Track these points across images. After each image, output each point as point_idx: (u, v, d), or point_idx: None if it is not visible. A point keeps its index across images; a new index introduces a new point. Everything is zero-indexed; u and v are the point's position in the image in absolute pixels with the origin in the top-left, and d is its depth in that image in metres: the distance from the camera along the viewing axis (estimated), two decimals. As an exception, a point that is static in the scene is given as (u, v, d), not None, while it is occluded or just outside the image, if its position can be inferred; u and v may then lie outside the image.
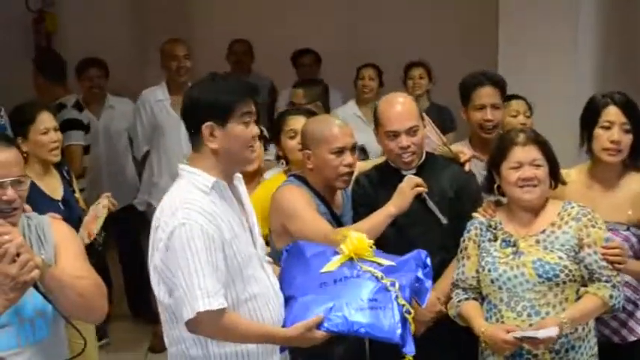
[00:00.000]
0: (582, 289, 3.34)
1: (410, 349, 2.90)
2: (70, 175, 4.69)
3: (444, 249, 3.67)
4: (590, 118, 3.69)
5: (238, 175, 3.14)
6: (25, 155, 4.09)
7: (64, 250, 2.94)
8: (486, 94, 4.13)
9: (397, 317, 2.90)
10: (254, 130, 2.99)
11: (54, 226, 3.04)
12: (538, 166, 3.37)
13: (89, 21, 8.29)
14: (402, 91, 4.67)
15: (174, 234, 2.85)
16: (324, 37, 7.86)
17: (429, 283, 3.11)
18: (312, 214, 3.56)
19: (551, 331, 3.15)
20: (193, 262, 2.84)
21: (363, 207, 3.71)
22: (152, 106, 6.17)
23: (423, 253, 3.15)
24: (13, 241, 2.59)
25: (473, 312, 3.42)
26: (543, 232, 3.39)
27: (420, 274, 3.07)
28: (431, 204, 3.60)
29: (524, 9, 6.03)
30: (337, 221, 3.68)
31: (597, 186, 3.69)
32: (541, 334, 3.14)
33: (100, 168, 6.44)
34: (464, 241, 3.53)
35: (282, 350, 3.11)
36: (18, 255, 2.58)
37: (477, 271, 3.45)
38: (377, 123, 3.76)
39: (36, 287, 2.69)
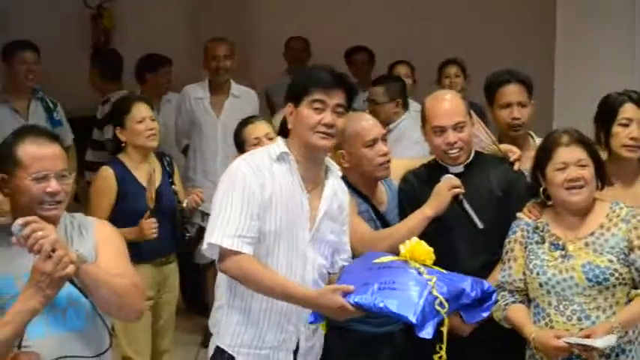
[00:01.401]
0: (633, 291, 3.26)
1: (427, 333, 2.89)
2: (172, 166, 4.82)
3: (489, 251, 3.60)
4: (607, 115, 3.71)
5: (336, 172, 3.33)
6: (123, 144, 4.55)
7: (104, 249, 2.97)
8: (512, 92, 4.09)
9: (420, 300, 2.90)
10: (325, 118, 3.13)
11: (97, 225, 3.08)
12: (583, 166, 3.30)
13: (146, 17, 8.39)
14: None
15: (223, 175, 3.22)
16: (378, 35, 7.83)
17: (485, 313, 3.15)
18: (351, 214, 3.53)
19: (611, 341, 3.08)
20: (225, 202, 3.13)
21: (409, 204, 3.69)
22: (192, 102, 6.24)
23: (491, 287, 3.16)
24: (47, 237, 2.60)
25: (521, 316, 3.36)
26: (592, 234, 3.32)
27: (473, 294, 3.07)
28: (467, 206, 3.53)
29: (581, 16, 5.94)
30: (381, 218, 3.67)
31: (617, 183, 3.62)
32: (599, 343, 3.06)
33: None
34: (509, 242, 3.46)
35: (315, 320, 3.12)
36: (53, 251, 2.59)
37: (524, 274, 3.38)
38: (424, 119, 3.74)
39: (72, 282, 2.70)
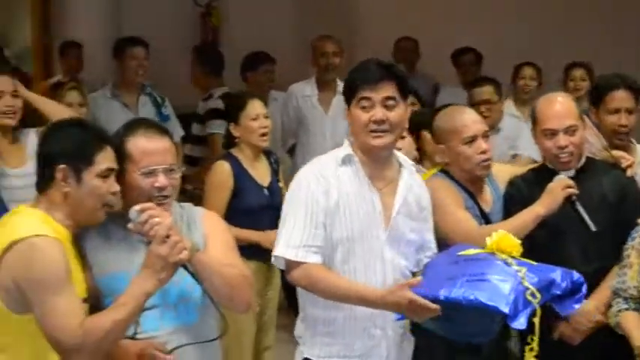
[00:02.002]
0: None
1: (519, 324, 2.84)
2: (278, 163, 4.88)
3: (602, 256, 3.50)
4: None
5: (409, 167, 3.24)
6: (236, 140, 4.60)
7: (213, 239, 3.01)
8: (621, 98, 3.98)
9: (511, 291, 2.84)
10: (375, 115, 3.06)
11: (205, 216, 3.13)
12: None
13: (253, 15, 8.48)
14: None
15: (290, 185, 3.23)
16: (480, 36, 7.74)
17: (577, 305, 3.05)
18: (456, 206, 3.52)
19: None
20: (289, 212, 3.14)
21: (515, 208, 3.60)
22: (299, 100, 6.29)
23: (581, 278, 3.04)
24: (162, 223, 2.68)
25: (632, 323, 3.27)
26: None
27: (563, 284, 2.98)
28: (580, 208, 3.44)
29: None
30: (485, 218, 3.60)
31: None
32: None
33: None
34: (627, 248, 3.37)
35: (402, 317, 3.06)
36: (168, 237, 2.66)
37: (639, 281, 3.29)
38: (534, 121, 3.66)
39: (185, 268, 2.76)
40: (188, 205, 3.14)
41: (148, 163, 2.89)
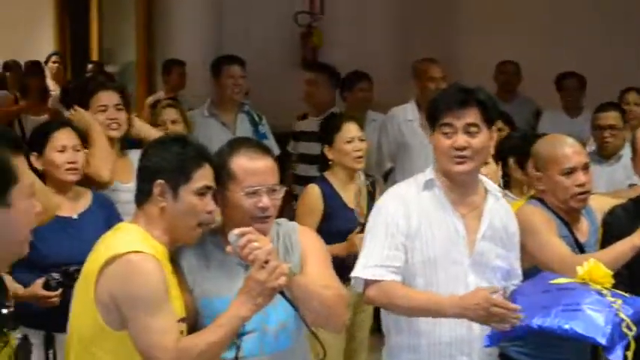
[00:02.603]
0: None
1: (616, 356, 2.80)
2: (375, 187, 4.81)
3: None
4: None
5: (495, 193, 3.24)
6: (330, 162, 4.62)
7: (310, 258, 3.01)
8: None
9: (608, 323, 2.81)
10: (456, 141, 3.06)
11: (302, 234, 3.12)
12: None
13: (353, 36, 8.51)
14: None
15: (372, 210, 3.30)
16: (583, 60, 7.59)
17: None
18: (550, 232, 3.45)
19: None
20: (370, 235, 3.19)
21: (613, 237, 3.49)
22: (400, 124, 6.22)
23: None
24: (262, 248, 2.68)
25: None
26: None
27: None
28: None
29: None
30: (580, 249, 3.52)
31: None
32: None
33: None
34: None
35: (490, 343, 3.02)
36: (266, 262, 2.65)
37: None
38: (634, 150, 3.59)
39: (282, 294, 2.74)
40: (284, 221, 3.15)
41: (251, 183, 2.90)
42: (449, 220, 3.13)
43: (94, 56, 9.44)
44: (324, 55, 8.85)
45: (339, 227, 4.43)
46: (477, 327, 3.08)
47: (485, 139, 3.10)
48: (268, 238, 2.84)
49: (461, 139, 3.05)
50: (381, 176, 6.45)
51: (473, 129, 3.07)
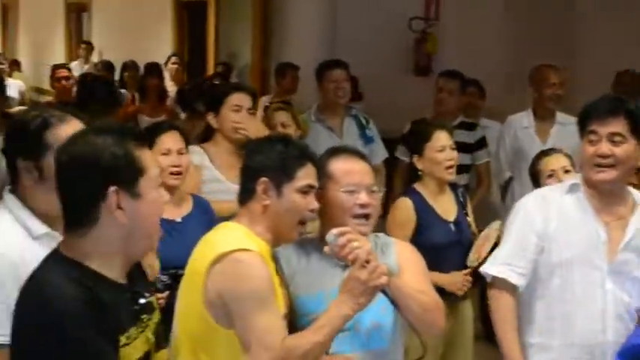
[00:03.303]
0: None
1: None
2: (465, 196, 4.73)
3: None
4: None
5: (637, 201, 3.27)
6: (420, 173, 4.49)
7: (406, 267, 3.06)
8: None
9: None
10: (599, 149, 3.11)
11: (398, 246, 3.18)
12: None
13: (467, 43, 8.46)
14: None
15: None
16: None
17: None
18: None
19: None
20: (506, 233, 3.34)
21: None
22: (517, 131, 6.14)
23: None
24: (363, 247, 2.72)
25: None
26: None
27: None
28: None
29: None
30: None
31: None
32: None
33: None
34: None
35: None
36: (367, 261, 2.68)
37: None
38: None
39: (384, 293, 2.77)
40: (382, 235, 3.22)
41: (349, 181, 3.00)
42: (590, 224, 3.19)
43: (211, 59, 9.65)
44: (437, 62, 8.83)
45: (433, 240, 4.29)
46: (610, 333, 3.16)
47: (630, 149, 3.12)
48: (366, 239, 2.88)
49: (604, 147, 3.10)
50: (501, 185, 6.41)
51: (617, 138, 3.10)
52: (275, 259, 2.97)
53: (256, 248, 2.79)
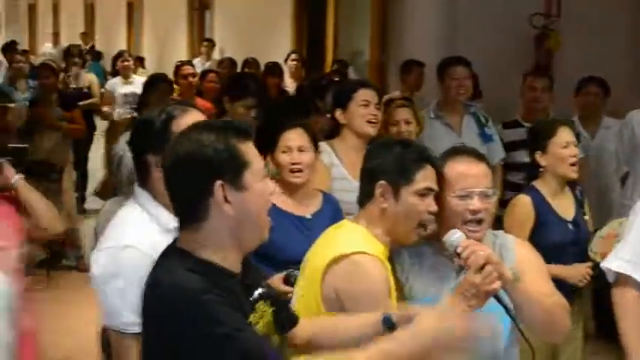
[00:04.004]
0: None
1: None
2: (583, 196, 4.68)
3: None
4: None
5: None
6: (541, 169, 4.43)
7: (527, 268, 3.03)
8: None
9: None
10: None
11: (518, 244, 3.16)
12: None
13: (590, 40, 8.32)
14: None
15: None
16: None
17: None
18: None
19: None
20: (629, 228, 3.34)
21: None
22: (634, 126, 6.07)
23: None
24: (480, 251, 2.70)
25: None
26: None
27: None
28: None
29: None
30: None
31: None
32: None
33: (587, 187, 6.23)
34: None
35: None
36: (483, 266, 2.66)
37: None
38: None
39: (497, 298, 2.74)
40: (501, 233, 3.19)
41: (463, 186, 2.96)
42: None
43: (330, 56, 9.77)
44: (558, 59, 8.71)
45: (551, 239, 4.26)
46: None
47: None
48: (487, 245, 2.87)
49: None
50: (619, 181, 6.34)
51: None
52: (391, 260, 2.99)
53: (374, 251, 2.85)
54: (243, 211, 2.30)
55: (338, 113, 4.71)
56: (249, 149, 2.34)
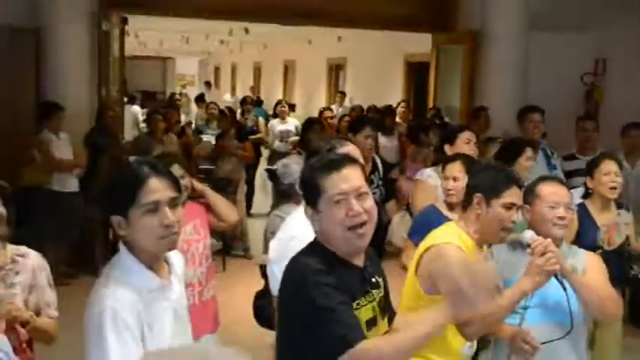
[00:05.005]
0: None
1: None
2: (628, 211, 4.53)
3: None
4: None
5: None
6: (590, 191, 4.39)
7: (591, 270, 3.07)
8: None
9: None
10: None
11: (587, 256, 3.19)
12: None
13: (628, 93, 8.13)
14: None
15: None
16: None
17: None
18: None
19: None
20: None
21: None
22: None
23: None
24: (543, 242, 2.82)
25: None
26: None
27: None
28: None
29: None
30: None
31: None
32: None
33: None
34: None
35: None
36: (544, 253, 2.76)
37: None
38: None
39: (557, 279, 2.82)
40: (575, 247, 3.24)
41: (553, 199, 3.05)
42: None
43: (430, 104, 9.81)
44: (605, 108, 8.57)
45: (584, 243, 4.05)
46: None
47: None
48: (550, 240, 2.86)
49: None
50: None
51: None
52: (488, 253, 3.03)
53: (459, 242, 2.85)
54: (324, 224, 2.29)
55: (447, 147, 4.72)
56: (330, 180, 2.27)
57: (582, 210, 4.34)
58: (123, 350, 2.02)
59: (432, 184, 4.49)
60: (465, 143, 4.68)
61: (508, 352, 2.95)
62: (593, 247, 4.13)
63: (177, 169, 3.44)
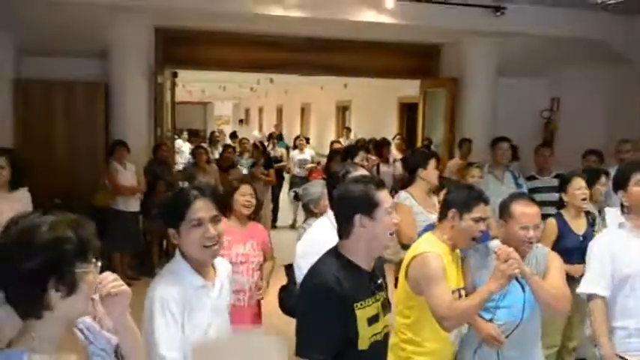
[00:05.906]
0: None
1: None
2: (595, 220, 4.31)
3: None
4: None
5: None
6: (565, 203, 4.20)
7: (550, 269, 2.92)
8: None
9: None
10: None
11: (549, 255, 3.01)
12: None
13: (577, 125, 8.04)
14: None
15: None
16: None
17: None
18: None
19: None
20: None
21: None
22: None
23: None
24: (506, 251, 2.65)
25: None
26: None
27: None
28: None
29: None
30: None
31: None
32: None
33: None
34: None
35: None
36: (507, 260, 2.60)
37: None
38: None
39: (518, 281, 2.69)
40: (541, 246, 3.07)
41: (524, 221, 2.84)
42: None
43: (420, 136, 9.77)
44: (559, 137, 8.54)
45: (567, 246, 4.09)
46: None
47: None
48: (512, 249, 2.69)
49: None
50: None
51: None
52: (461, 258, 2.94)
53: (437, 250, 2.78)
54: (373, 234, 2.23)
55: (424, 174, 4.37)
56: (381, 195, 2.24)
57: (560, 220, 4.24)
58: (165, 328, 2.13)
59: (408, 206, 4.23)
60: (434, 168, 4.46)
61: (479, 340, 2.90)
62: (570, 251, 4.03)
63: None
